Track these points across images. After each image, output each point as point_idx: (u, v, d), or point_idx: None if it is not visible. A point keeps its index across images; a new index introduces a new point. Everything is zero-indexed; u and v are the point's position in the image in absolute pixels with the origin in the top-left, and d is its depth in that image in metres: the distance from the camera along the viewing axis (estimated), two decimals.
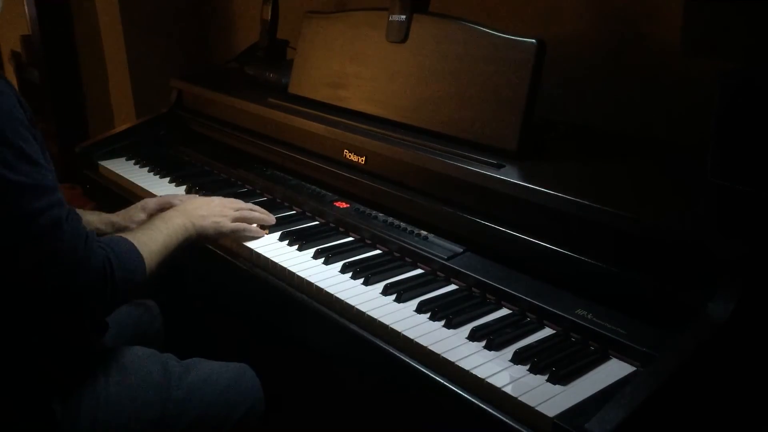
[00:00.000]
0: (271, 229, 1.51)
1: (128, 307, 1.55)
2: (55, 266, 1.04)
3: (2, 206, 0.99)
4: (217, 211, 1.42)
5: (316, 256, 1.38)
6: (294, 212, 1.62)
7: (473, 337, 1.10)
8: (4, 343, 1.09)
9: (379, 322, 1.15)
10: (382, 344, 1.14)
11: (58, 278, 1.05)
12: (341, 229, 1.51)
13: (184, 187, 1.80)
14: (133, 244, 1.18)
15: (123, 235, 1.22)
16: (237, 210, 1.46)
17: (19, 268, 1.04)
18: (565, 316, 1.11)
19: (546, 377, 0.99)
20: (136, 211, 1.56)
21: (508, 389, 0.97)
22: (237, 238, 1.45)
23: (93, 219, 1.53)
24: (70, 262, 1.05)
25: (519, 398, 0.95)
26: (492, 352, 1.06)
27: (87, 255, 1.07)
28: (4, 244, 1.01)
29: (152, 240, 1.24)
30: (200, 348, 1.41)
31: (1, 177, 0.97)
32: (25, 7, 3.48)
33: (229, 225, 1.42)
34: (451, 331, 1.12)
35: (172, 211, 1.38)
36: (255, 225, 1.48)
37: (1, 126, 0.98)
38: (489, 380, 0.99)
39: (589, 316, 1.09)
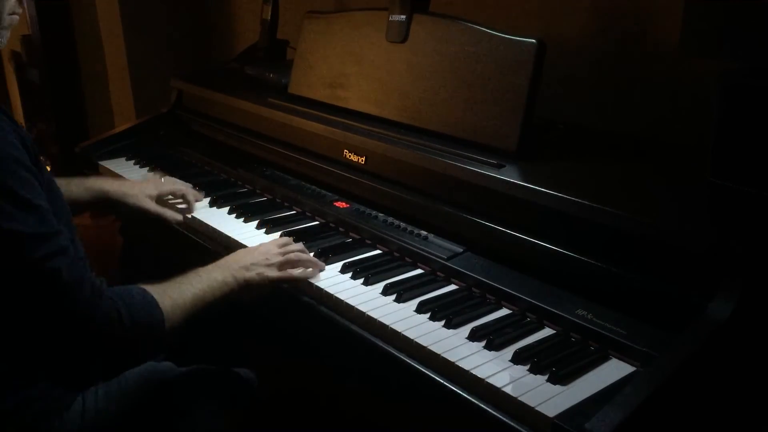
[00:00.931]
0: (273, 229, 1.51)
1: None
2: (58, 317, 1.03)
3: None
4: (261, 259, 1.30)
5: (316, 257, 1.38)
6: (294, 212, 1.62)
7: (473, 337, 1.09)
8: (6, 361, 1.09)
9: (379, 322, 1.15)
10: (382, 344, 1.14)
11: (62, 328, 1.04)
12: (341, 229, 1.51)
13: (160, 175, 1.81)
14: (152, 297, 1.14)
15: (148, 285, 1.17)
16: (284, 254, 1.32)
17: (20, 314, 1.04)
18: (565, 316, 1.11)
19: (546, 377, 0.99)
20: (149, 184, 1.61)
21: (508, 389, 0.97)
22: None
23: (107, 186, 1.56)
24: (71, 314, 1.03)
25: (519, 398, 0.95)
26: (492, 352, 1.06)
27: (91, 307, 1.04)
28: (5, 295, 1.01)
29: (180, 294, 1.19)
30: (201, 351, 1.41)
31: None
32: (25, 7, 3.48)
33: (275, 274, 1.29)
34: (451, 331, 1.12)
35: (212, 265, 1.29)
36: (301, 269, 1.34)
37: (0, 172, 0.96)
38: (489, 380, 0.99)
39: (589, 316, 1.09)
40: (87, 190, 1.54)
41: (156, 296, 1.14)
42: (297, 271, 1.31)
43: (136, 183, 1.64)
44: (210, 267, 1.28)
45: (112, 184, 1.59)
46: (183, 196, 1.65)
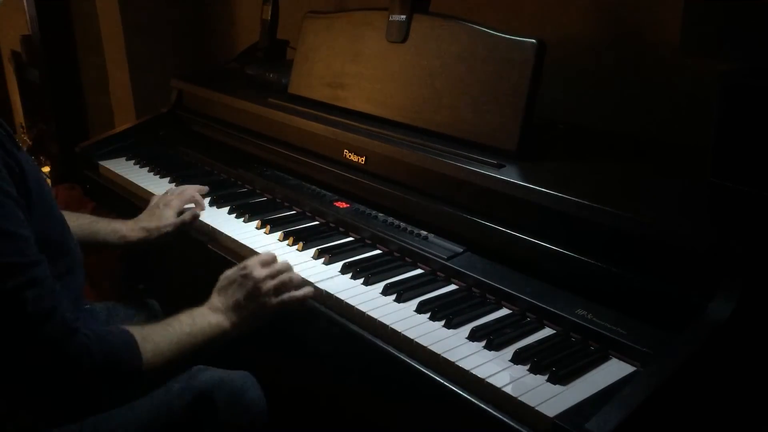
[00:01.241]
0: (273, 229, 1.51)
1: (128, 309, 1.55)
2: (23, 350, 1.01)
3: None
4: (254, 292, 1.24)
5: (316, 256, 1.38)
6: (294, 212, 1.62)
7: (473, 337, 1.09)
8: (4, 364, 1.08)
9: (379, 322, 1.15)
10: (382, 344, 1.14)
11: (26, 363, 1.02)
12: (341, 229, 1.51)
13: (173, 186, 1.80)
14: (133, 340, 1.10)
15: (132, 327, 1.13)
16: (273, 277, 1.26)
17: None
18: (565, 316, 1.11)
19: (546, 377, 0.99)
20: (161, 210, 1.57)
21: (508, 389, 0.97)
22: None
23: (122, 228, 1.53)
24: (35, 351, 1.01)
25: (519, 398, 0.95)
26: (492, 352, 1.06)
27: (58, 342, 1.01)
28: None
29: (164, 338, 1.15)
30: (200, 355, 1.41)
31: None
32: (25, 7, 3.48)
33: (272, 302, 1.24)
34: (451, 331, 1.12)
35: (205, 307, 1.23)
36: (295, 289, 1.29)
37: None
38: (489, 380, 0.99)
39: (589, 316, 1.09)
40: (114, 232, 1.53)
41: (138, 339, 1.11)
42: (299, 293, 1.26)
43: (153, 215, 1.58)
44: (203, 309, 1.23)
45: (132, 229, 1.54)
46: (192, 198, 1.65)
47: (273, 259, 1.30)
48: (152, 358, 1.11)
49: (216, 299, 1.26)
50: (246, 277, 1.26)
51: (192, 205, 1.64)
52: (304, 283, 1.29)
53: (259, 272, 1.26)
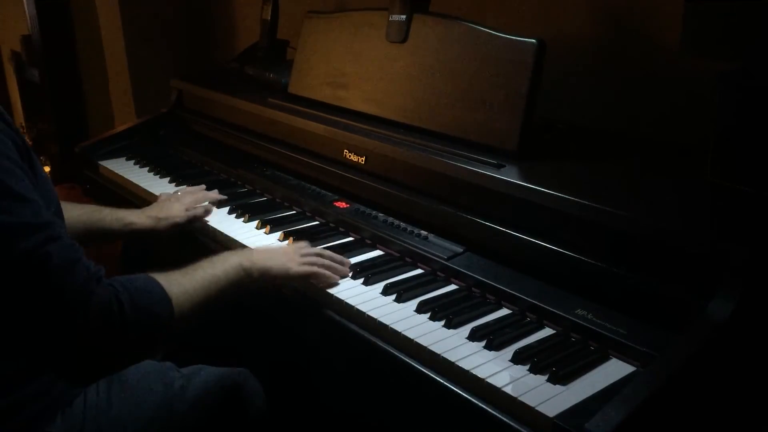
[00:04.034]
0: (273, 229, 1.51)
1: None
2: (51, 308, 1.01)
3: None
4: (282, 253, 1.30)
5: None
6: (294, 212, 1.62)
7: (473, 337, 1.09)
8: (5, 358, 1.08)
9: (379, 322, 1.15)
10: (382, 344, 1.14)
11: (55, 320, 1.02)
12: (341, 229, 1.51)
13: (184, 186, 1.80)
14: (158, 284, 1.10)
15: (155, 273, 1.13)
16: (307, 255, 1.30)
17: (18, 308, 1.02)
18: (565, 316, 1.11)
19: (546, 377, 0.99)
20: (171, 203, 1.57)
21: (508, 389, 0.97)
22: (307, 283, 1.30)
23: (128, 215, 1.52)
24: (64, 304, 1.01)
25: (519, 398, 0.95)
26: (492, 352, 1.06)
27: (86, 293, 1.02)
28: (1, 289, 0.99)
29: (189, 280, 1.15)
30: (201, 351, 1.41)
31: None
32: (25, 7, 3.48)
33: (297, 267, 1.27)
34: (451, 331, 1.12)
35: (229, 253, 1.27)
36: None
37: None
38: (489, 380, 0.99)
39: (589, 316, 1.09)
40: (118, 220, 1.51)
41: (163, 282, 1.11)
42: (322, 269, 1.28)
43: (163, 206, 1.58)
44: (226, 253, 1.26)
45: (139, 216, 1.54)
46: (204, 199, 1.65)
47: (307, 245, 1.36)
48: (180, 298, 1.11)
49: (242, 250, 1.30)
50: (278, 248, 1.35)
51: (204, 204, 1.64)
52: (335, 271, 1.30)
53: (291, 246, 1.34)
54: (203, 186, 1.72)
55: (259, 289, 1.27)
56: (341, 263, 1.32)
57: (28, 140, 3.84)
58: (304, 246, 1.35)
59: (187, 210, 1.57)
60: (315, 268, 1.28)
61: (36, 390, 1.10)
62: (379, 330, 1.15)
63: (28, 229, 0.99)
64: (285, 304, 1.34)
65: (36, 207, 1.01)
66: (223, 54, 2.86)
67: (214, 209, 1.64)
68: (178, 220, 1.54)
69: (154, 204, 1.61)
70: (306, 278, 1.27)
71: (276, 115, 1.78)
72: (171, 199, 1.60)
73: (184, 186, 1.78)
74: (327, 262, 1.31)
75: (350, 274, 1.30)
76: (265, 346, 1.70)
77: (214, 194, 1.68)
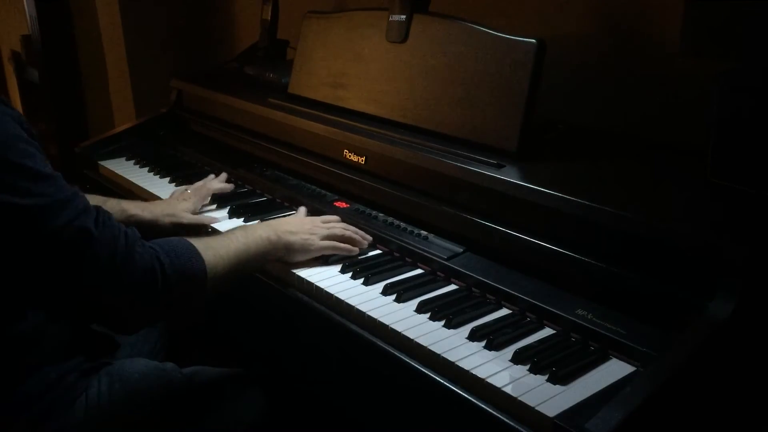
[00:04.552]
0: None
1: None
2: (96, 274, 1.01)
3: (26, 232, 0.96)
4: (306, 228, 1.35)
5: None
6: (294, 212, 1.62)
7: (473, 337, 1.09)
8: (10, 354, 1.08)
9: (379, 322, 1.15)
10: (382, 344, 1.14)
11: (102, 286, 1.02)
12: None
13: (184, 186, 1.80)
14: (191, 245, 1.13)
15: (187, 237, 1.16)
16: (329, 228, 1.38)
17: (63, 283, 1.01)
18: (565, 316, 1.11)
19: (546, 377, 0.99)
20: (176, 202, 1.57)
21: (508, 389, 0.97)
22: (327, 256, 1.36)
23: (130, 207, 1.52)
24: (111, 267, 1.01)
25: (519, 398, 0.95)
26: (492, 352, 1.06)
27: (130, 255, 1.03)
28: (39, 265, 0.99)
29: (222, 245, 1.19)
30: (201, 352, 1.41)
31: (15, 206, 0.94)
32: (25, 7, 3.48)
33: (318, 243, 1.34)
34: (451, 331, 1.12)
35: (257, 224, 1.35)
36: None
37: (2, 151, 0.94)
38: (489, 380, 0.99)
39: (589, 316, 1.09)
40: (122, 211, 1.51)
41: (198, 245, 1.13)
42: (343, 244, 1.36)
43: (170, 203, 1.59)
44: (255, 224, 1.34)
45: (142, 209, 1.54)
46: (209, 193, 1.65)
47: (332, 219, 1.43)
48: (213, 263, 1.14)
49: (268, 221, 1.36)
50: (304, 219, 1.42)
51: (212, 207, 1.64)
52: (356, 244, 1.38)
53: (314, 219, 1.41)
54: (212, 176, 1.74)
55: (279, 259, 1.32)
56: (363, 237, 1.39)
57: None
58: (326, 219, 1.42)
59: (194, 212, 1.58)
60: (335, 243, 1.35)
61: (38, 388, 1.10)
62: (379, 330, 1.15)
63: (59, 205, 0.99)
64: (285, 304, 1.34)
65: (59, 181, 1.01)
66: (223, 54, 2.86)
67: (215, 210, 1.64)
68: (183, 220, 1.54)
69: (164, 200, 1.62)
70: (324, 251, 1.35)
71: (276, 115, 1.78)
72: (180, 197, 1.60)
73: (184, 186, 1.78)
74: (349, 234, 1.38)
75: (350, 275, 1.31)
76: (265, 346, 1.71)
77: (220, 183, 1.70)
